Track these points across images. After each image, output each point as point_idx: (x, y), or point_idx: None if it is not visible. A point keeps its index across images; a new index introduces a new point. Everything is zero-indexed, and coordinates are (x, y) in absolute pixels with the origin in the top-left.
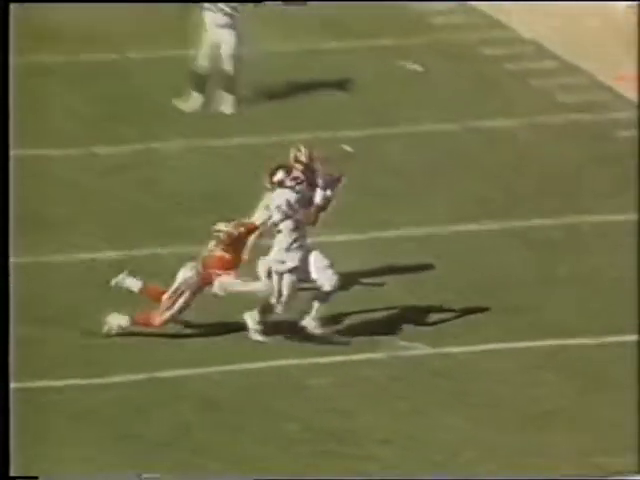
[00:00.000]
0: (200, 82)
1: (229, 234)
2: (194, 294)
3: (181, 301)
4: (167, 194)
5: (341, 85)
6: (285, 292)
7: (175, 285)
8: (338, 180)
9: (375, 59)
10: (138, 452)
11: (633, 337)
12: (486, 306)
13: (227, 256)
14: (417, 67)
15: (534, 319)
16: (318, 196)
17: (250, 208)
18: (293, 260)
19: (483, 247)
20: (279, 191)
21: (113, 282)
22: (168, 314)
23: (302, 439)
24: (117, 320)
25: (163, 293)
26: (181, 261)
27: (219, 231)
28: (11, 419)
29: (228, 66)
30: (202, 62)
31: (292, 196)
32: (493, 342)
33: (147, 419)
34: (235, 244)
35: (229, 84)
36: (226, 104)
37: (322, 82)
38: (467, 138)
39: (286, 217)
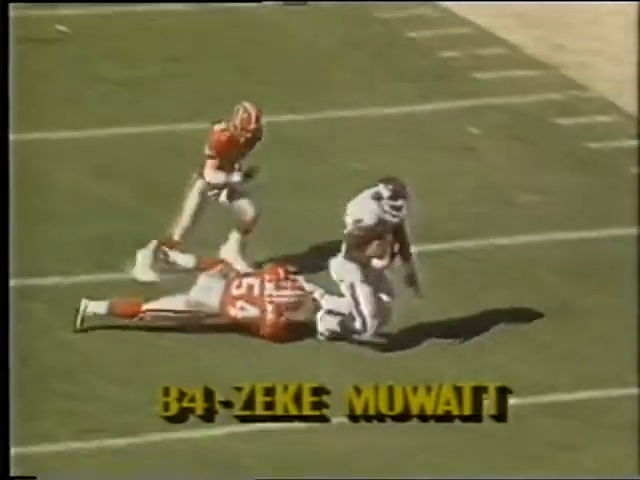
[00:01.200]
0: None
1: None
2: None
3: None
4: None
5: None
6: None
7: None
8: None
9: None
10: None
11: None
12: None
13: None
14: None
15: None
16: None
17: None
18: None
19: None
20: (370, 202)
21: (79, 309)
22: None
23: None
24: (93, 307)
25: (138, 311)
26: None
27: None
28: None
29: None
30: None
31: (378, 212)
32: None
33: None
34: None
35: None
36: None
37: None
38: (205, 20)
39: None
